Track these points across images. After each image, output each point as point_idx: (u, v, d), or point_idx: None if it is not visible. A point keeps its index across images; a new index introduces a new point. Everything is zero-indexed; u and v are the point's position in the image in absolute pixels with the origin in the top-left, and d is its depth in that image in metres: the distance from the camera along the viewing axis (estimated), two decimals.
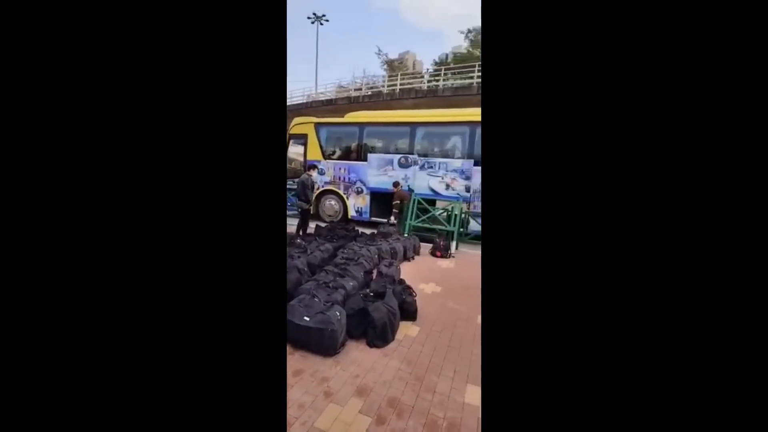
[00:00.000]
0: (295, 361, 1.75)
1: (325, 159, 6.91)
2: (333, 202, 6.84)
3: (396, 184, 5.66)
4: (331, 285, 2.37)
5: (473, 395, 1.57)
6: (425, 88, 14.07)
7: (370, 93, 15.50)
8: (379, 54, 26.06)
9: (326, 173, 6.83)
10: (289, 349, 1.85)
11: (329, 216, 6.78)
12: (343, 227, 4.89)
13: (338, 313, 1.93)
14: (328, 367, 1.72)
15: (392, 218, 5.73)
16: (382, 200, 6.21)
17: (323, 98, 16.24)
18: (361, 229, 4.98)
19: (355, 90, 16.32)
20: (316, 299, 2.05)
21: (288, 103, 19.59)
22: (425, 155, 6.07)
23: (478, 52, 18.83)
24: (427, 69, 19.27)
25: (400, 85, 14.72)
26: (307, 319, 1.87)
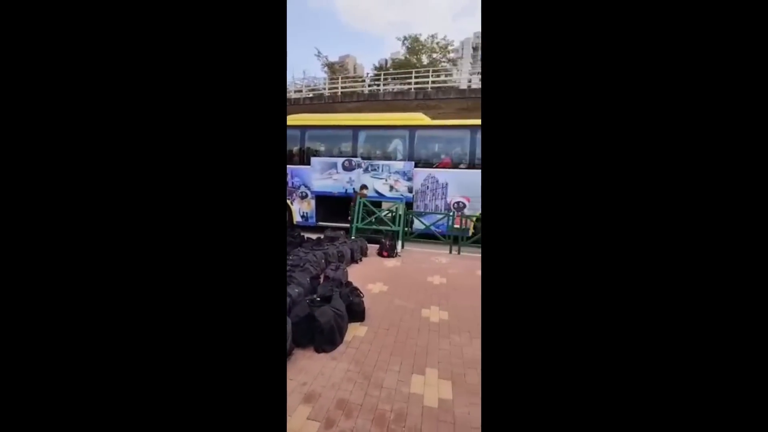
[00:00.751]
0: None
1: None
2: None
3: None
4: None
5: (417, 385, 1.66)
6: (366, 91, 14.27)
7: (311, 95, 15.20)
8: (318, 56, 25.67)
9: None
10: None
11: None
12: (288, 233, 4.74)
13: None
14: None
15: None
16: (328, 204, 6.16)
17: None
18: (307, 235, 4.87)
19: (296, 92, 15.86)
20: None
21: None
22: (368, 158, 6.17)
23: (414, 59, 19.65)
24: (368, 73, 19.59)
25: (342, 88, 14.71)
26: None
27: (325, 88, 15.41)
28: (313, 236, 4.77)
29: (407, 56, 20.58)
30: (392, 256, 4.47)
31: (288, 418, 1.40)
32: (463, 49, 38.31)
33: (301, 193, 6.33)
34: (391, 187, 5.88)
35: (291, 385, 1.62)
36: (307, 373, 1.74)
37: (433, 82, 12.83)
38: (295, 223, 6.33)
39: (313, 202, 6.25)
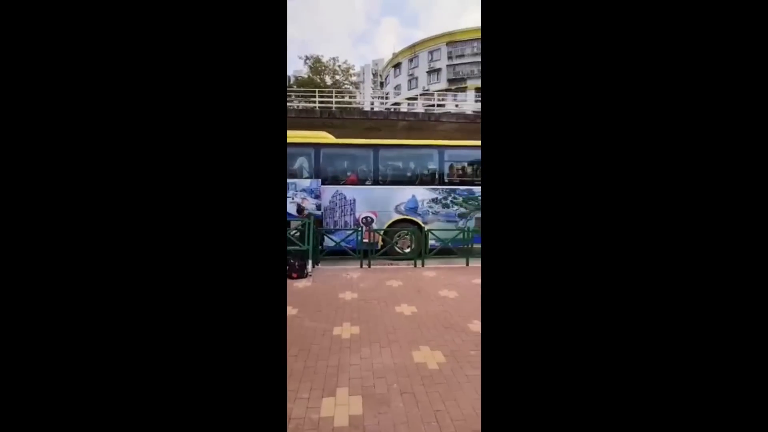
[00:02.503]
0: None
1: None
2: None
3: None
4: None
5: (328, 408, 1.61)
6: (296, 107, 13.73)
7: None
8: None
9: None
10: None
11: None
12: None
13: None
14: None
15: None
16: None
17: None
18: None
19: None
20: None
21: None
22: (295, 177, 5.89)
23: (318, 79, 19.92)
24: None
25: None
26: None
27: None
28: None
29: (311, 75, 20.72)
30: (302, 277, 4.29)
31: None
32: (363, 73, 40.69)
33: None
34: (299, 206, 5.71)
35: None
36: None
37: (337, 102, 13.19)
38: None
39: None
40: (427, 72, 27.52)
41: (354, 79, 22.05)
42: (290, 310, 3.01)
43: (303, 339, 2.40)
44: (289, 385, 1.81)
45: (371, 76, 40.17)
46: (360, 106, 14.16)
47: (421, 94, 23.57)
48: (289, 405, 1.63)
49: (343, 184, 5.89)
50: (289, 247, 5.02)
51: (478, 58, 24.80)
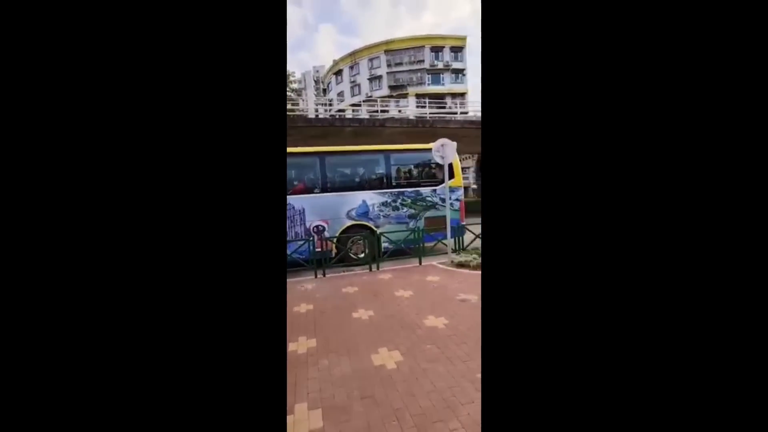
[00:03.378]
0: None
1: None
2: None
3: None
4: None
5: (315, 421, 1.55)
6: None
7: None
8: None
9: None
10: None
11: None
12: None
13: None
14: None
15: None
16: None
17: None
18: None
19: None
20: None
21: None
22: None
23: (293, 88, 19.06)
24: None
25: None
26: None
27: None
28: None
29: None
30: None
31: None
32: (305, 80, 39.99)
33: None
34: None
35: None
36: None
37: (290, 110, 12.78)
38: None
39: None
40: (368, 79, 27.99)
41: (295, 86, 21.57)
42: None
43: None
44: None
45: (313, 83, 39.64)
46: (304, 113, 13.88)
47: (364, 101, 23.88)
48: None
49: (291, 194, 5.72)
50: None
51: (416, 66, 25.91)
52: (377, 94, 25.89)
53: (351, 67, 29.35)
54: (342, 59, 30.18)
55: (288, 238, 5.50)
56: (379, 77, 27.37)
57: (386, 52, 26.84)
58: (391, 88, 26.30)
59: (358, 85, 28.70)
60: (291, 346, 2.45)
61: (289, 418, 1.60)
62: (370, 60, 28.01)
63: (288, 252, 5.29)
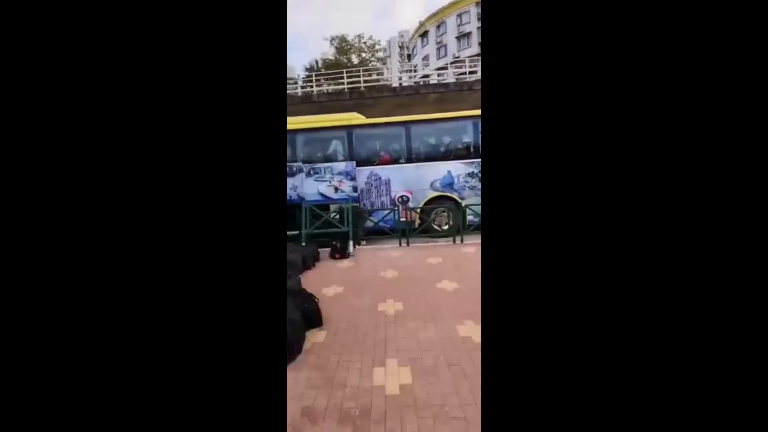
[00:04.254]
0: None
1: None
2: None
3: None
4: None
5: (379, 376, 1.72)
6: (300, 94, 13.90)
7: None
8: None
9: None
10: None
11: None
12: None
13: None
14: None
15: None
16: None
17: None
18: None
19: None
20: None
21: None
22: (309, 161, 6.06)
23: (345, 59, 19.63)
24: (299, 75, 19.09)
25: None
26: None
27: None
28: None
29: (337, 56, 20.48)
30: (345, 257, 4.47)
31: None
32: (390, 47, 39.24)
33: None
34: (336, 188, 5.86)
35: None
36: None
37: (365, 81, 12.97)
38: None
39: None
40: (456, 38, 25.84)
41: (380, 54, 21.43)
42: (336, 289, 3.18)
43: (350, 315, 2.54)
44: (342, 357, 1.95)
45: (398, 50, 38.70)
46: (388, 82, 13.82)
47: (451, 63, 22.30)
48: (343, 374, 1.77)
49: (377, 165, 5.90)
50: (330, 230, 5.23)
51: None
52: (465, 53, 23.81)
53: (437, 27, 27.46)
54: (428, 19, 28.40)
55: (375, 207, 5.78)
56: (468, 34, 24.98)
57: (478, 3, 24.10)
58: (481, 45, 23.79)
59: (444, 46, 26.83)
60: (380, 307, 2.65)
61: (380, 370, 1.77)
62: (459, 16, 25.64)
63: (375, 220, 5.59)
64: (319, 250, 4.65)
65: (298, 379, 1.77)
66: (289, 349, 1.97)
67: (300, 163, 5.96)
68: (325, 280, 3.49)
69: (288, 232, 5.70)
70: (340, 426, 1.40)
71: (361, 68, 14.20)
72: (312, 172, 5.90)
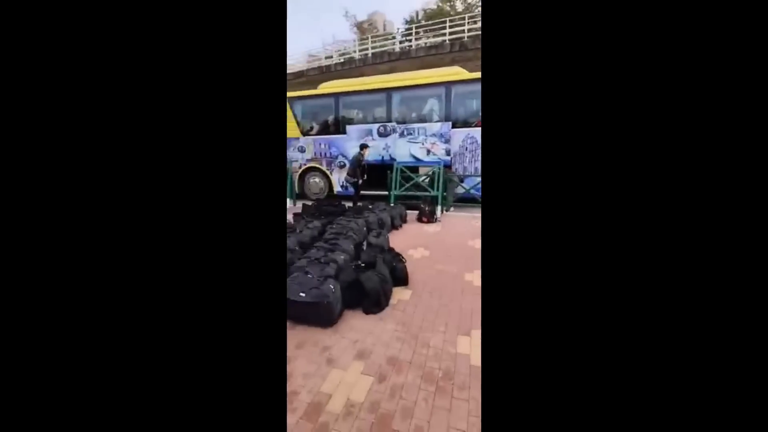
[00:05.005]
0: (297, 334, 1.84)
1: (303, 135, 6.71)
2: (317, 180, 6.76)
3: (363, 147, 5.27)
4: (322, 260, 2.43)
5: (464, 345, 1.71)
6: (398, 49, 13.47)
7: (342, 60, 14.74)
8: (347, 16, 24.45)
9: (306, 150, 6.68)
10: (289, 324, 1.93)
11: (315, 194, 6.73)
12: (330, 203, 4.89)
13: (332, 286, 2.00)
14: (328, 337, 1.82)
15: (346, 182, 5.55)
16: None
17: (294, 71, 15.39)
18: (347, 204, 4.99)
19: (326, 58, 15.46)
20: (309, 275, 2.11)
21: None
22: (404, 121, 5.97)
23: (448, 7, 17.88)
24: (398, 29, 18.31)
25: (372, 48, 14.03)
26: (303, 294, 1.94)
27: (355, 51, 14.82)
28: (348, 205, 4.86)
29: (440, 4, 18.80)
30: (432, 222, 4.44)
31: (343, 372, 1.53)
32: None
33: (339, 162, 6.40)
34: (428, 151, 5.70)
35: (342, 342, 1.76)
36: (357, 331, 1.86)
37: (469, 30, 11.69)
38: (335, 193, 6.49)
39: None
40: None
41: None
42: (422, 251, 3.21)
43: (435, 280, 2.55)
44: (427, 318, 2.00)
45: None
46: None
47: None
48: (427, 335, 1.82)
49: (474, 126, 5.46)
50: (419, 193, 5.21)
51: None
52: None
53: None
54: None
55: (467, 173, 5.47)
56: None
57: None
58: None
59: None
60: (467, 276, 2.58)
61: (465, 339, 1.75)
62: None
63: (467, 187, 5.32)
64: (407, 212, 4.72)
65: (385, 329, 1.89)
66: (377, 301, 2.11)
67: (394, 124, 5.93)
68: (412, 242, 3.55)
69: (377, 192, 5.93)
70: (424, 382, 1.46)
71: (466, 15, 12.74)
72: (405, 132, 5.84)
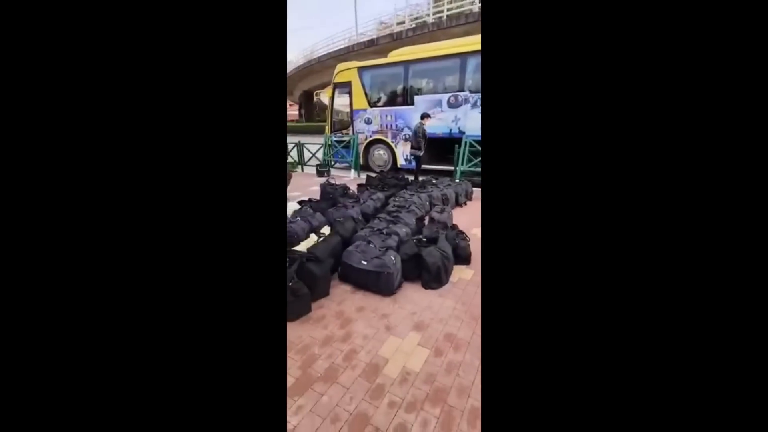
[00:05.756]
0: (358, 299, 1.93)
1: (370, 106, 6.70)
2: (382, 152, 6.78)
3: (424, 116, 4.98)
4: (384, 232, 2.46)
5: None
6: (476, 10, 12.24)
7: (414, 26, 14.03)
8: None
9: (373, 122, 6.69)
10: (350, 289, 2.03)
11: (379, 166, 6.79)
12: (393, 176, 4.89)
13: (393, 258, 2.03)
14: (386, 305, 1.87)
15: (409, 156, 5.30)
16: (431, 146, 5.94)
17: (365, 39, 15.18)
18: (410, 177, 4.93)
19: (398, 24, 14.86)
20: (371, 245, 2.16)
21: (329, 51, 18.76)
22: (478, 91, 5.51)
23: None
24: None
25: (447, 10, 12.99)
26: (365, 263, 2.00)
27: (429, 14, 13.92)
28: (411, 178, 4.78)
29: None
30: None
31: (400, 341, 1.57)
32: None
33: (405, 135, 6.28)
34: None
35: (401, 312, 1.79)
36: (415, 304, 1.88)
37: None
38: (399, 166, 6.46)
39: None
40: None
41: None
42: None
43: None
44: None
45: None
46: None
47: None
48: None
49: None
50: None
51: None
52: None
53: None
54: None
55: None
56: None
57: None
58: None
59: None
60: None
61: None
62: None
63: None
64: (474, 189, 4.47)
65: (443, 305, 1.87)
66: (437, 276, 2.08)
67: (467, 93, 5.52)
68: (476, 221, 3.38)
69: (443, 167, 5.71)
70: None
71: None
72: (478, 103, 5.40)
